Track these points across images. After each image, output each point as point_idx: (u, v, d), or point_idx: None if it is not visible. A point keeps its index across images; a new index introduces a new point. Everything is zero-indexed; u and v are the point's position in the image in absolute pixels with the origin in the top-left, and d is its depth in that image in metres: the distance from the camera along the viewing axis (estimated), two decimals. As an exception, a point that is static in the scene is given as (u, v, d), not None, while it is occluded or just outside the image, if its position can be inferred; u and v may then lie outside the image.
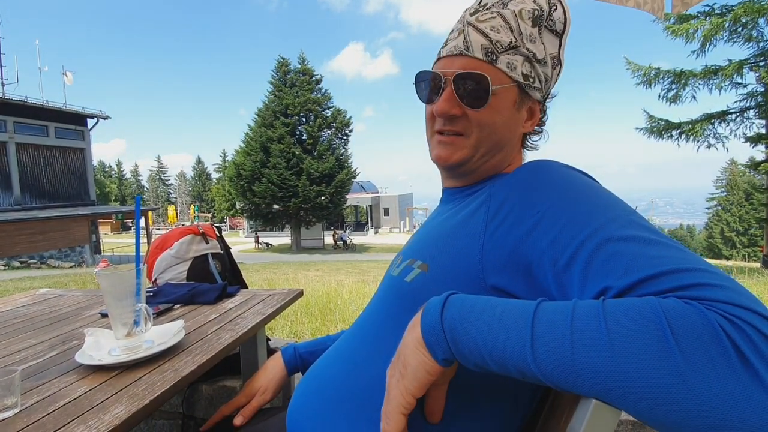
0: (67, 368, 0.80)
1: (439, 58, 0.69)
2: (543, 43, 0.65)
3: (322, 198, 24.69)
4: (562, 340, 0.40)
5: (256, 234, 30.82)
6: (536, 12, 0.64)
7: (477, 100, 0.63)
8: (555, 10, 0.65)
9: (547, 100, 0.72)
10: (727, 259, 32.72)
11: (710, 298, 0.38)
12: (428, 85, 0.68)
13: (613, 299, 0.41)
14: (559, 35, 0.66)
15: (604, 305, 0.40)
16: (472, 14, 0.67)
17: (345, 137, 27.07)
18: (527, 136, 0.73)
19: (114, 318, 0.81)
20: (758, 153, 14.28)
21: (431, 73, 0.67)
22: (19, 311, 1.26)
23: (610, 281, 0.44)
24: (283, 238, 31.88)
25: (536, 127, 0.72)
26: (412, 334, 0.50)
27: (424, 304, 0.52)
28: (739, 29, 12.05)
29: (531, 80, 0.64)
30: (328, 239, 29.21)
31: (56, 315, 1.20)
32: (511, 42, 0.63)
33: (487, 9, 0.66)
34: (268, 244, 29.24)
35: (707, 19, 12.23)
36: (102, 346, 0.85)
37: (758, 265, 14.26)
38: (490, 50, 0.63)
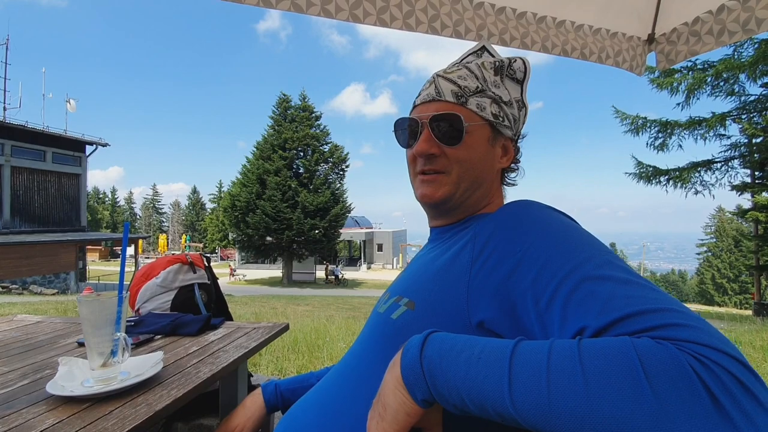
0: (37, 398, 0.77)
1: (414, 107, 0.75)
2: (506, 89, 0.73)
3: (316, 231, 24.64)
4: (539, 380, 0.40)
5: (230, 266, 30.28)
6: (497, 63, 0.73)
7: (453, 138, 0.68)
8: (515, 62, 0.74)
9: (519, 139, 0.78)
10: (719, 305, 32.66)
11: (682, 338, 0.39)
12: (406, 131, 0.73)
13: (589, 339, 0.42)
14: (520, 82, 0.74)
15: (580, 345, 0.40)
16: (439, 72, 0.75)
17: (341, 172, 27.42)
18: (505, 173, 0.77)
19: (90, 347, 0.79)
20: (744, 201, 14.64)
21: (408, 120, 0.72)
22: (-6, 338, 1.22)
23: (587, 321, 0.44)
24: (274, 271, 31.45)
25: (512, 164, 0.76)
26: (392, 374, 0.50)
27: (411, 334, 0.51)
28: (721, 84, 12.68)
29: (501, 119, 0.71)
30: (320, 273, 28.86)
31: (32, 342, 1.16)
32: (477, 87, 0.70)
33: (453, 65, 0.76)
34: (243, 276, 28.70)
35: (690, 73, 12.87)
36: (75, 377, 0.82)
37: (750, 312, 14.25)
38: (459, 94, 0.69)
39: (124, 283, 0.85)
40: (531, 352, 0.42)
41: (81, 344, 1.14)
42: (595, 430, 0.36)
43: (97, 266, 34.87)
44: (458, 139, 0.67)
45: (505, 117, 0.71)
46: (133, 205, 72.13)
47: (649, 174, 14.11)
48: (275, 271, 30.96)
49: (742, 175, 13.95)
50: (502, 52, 0.81)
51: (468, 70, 0.71)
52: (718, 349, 0.37)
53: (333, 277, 27.38)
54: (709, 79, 12.53)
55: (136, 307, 1.39)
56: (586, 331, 0.44)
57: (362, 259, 37.17)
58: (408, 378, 0.47)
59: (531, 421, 0.40)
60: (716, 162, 13.59)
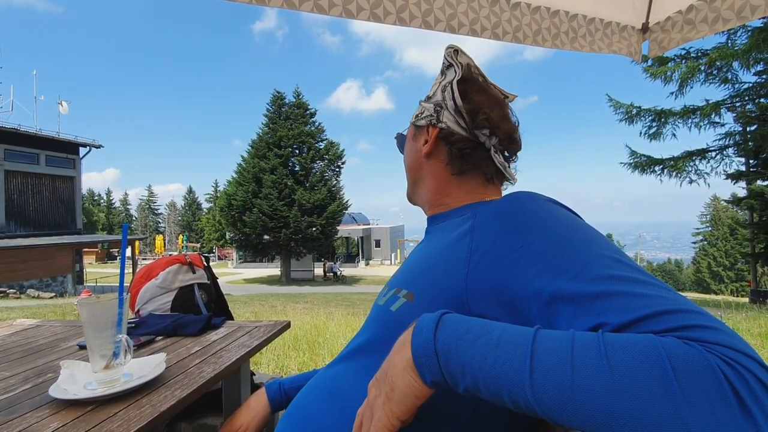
0: (39, 402, 0.77)
1: None
2: (441, 81, 0.77)
3: (314, 229, 24.60)
4: (563, 369, 0.39)
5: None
6: (444, 63, 0.78)
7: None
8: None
9: (469, 112, 0.70)
10: (716, 294, 32.93)
11: (709, 340, 0.38)
12: None
13: (612, 333, 0.41)
14: (453, 64, 0.75)
15: (604, 338, 0.40)
16: None
17: (337, 169, 27.33)
18: (463, 155, 0.71)
19: (92, 349, 0.79)
20: (740, 189, 14.73)
21: None
22: (-6, 343, 1.21)
23: (604, 318, 0.43)
24: (272, 270, 31.43)
25: (462, 144, 0.71)
26: (402, 355, 0.49)
27: (414, 321, 0.50)
28: (715, 72, 12.68)
29: (418, 116, 0.80)
30: (318, 271, 28.85)
31: (32, 347, 1.16)
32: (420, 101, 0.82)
33: None
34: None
35: (683, 62, 12.87)
36: (78, 380, 0.81)
37: (746, 300, 14.37)
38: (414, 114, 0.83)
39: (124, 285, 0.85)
40: (553, 341, 0.42)
41: (82, 347, 1.13)
42: (617, 423, 0.36)
43: (93, 269, 34.68)
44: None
45: (423, 111, 0.78)
46: (129, 207, 71.78)
47: (643, 164, 14.13)
48: (273, 270, 30.94)
49: (737, 163, 14.02)
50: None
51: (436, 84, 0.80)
52: (744, 352, 0.37)
53: (331, 274, 27.38)
54: (702, 68, 12.54)
55: (136, 309, 1.39)
56: (605, 328, 0.43)
57: (360, 256, 37.19)
58: (419, 359, 0.47)
59: (548, 410, 0.39)
60: (711, 151, 13.64)
